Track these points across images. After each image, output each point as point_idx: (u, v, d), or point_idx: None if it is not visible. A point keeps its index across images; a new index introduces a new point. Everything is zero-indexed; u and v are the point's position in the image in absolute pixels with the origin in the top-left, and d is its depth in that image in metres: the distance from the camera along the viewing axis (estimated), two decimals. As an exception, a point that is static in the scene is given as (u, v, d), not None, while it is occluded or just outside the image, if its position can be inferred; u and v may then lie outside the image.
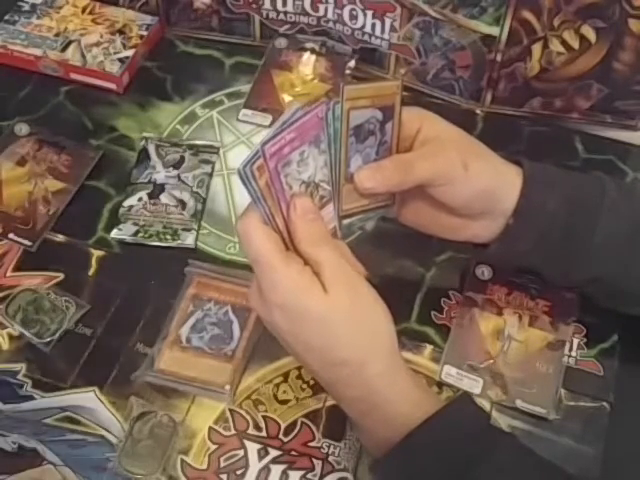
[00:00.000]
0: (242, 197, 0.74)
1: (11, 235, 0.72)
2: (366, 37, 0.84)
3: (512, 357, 0.64)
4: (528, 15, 0.73)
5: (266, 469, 0.60)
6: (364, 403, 0.52)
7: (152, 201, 0.74)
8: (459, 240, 0.60)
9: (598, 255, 0.57)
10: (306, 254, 0.50)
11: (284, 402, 0.63)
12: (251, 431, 0.62)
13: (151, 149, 0.78)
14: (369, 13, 0.81)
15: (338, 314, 0.49)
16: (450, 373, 0.64)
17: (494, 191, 0.56)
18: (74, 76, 0.85)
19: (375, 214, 0.57)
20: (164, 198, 0.75)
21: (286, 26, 0.87)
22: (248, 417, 0.62)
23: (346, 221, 0.56)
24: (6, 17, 0.87)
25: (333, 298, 0.49)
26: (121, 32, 0.87)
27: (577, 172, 0.61)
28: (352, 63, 0.85)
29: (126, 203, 0.74)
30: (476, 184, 0.55)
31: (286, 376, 0.64)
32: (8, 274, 0.70)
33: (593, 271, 0.58)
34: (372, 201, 0.56)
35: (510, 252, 0.59)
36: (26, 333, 0.66)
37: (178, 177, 0.76)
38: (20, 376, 0.64)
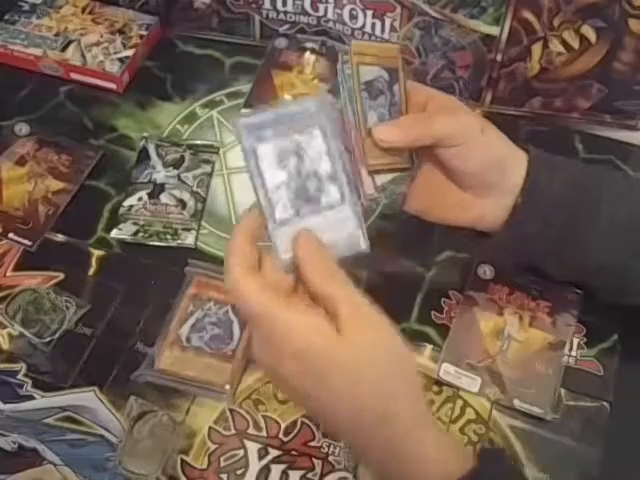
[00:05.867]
0: (242, 197, 0.75)
1: (11, 235, 0.72)
2: (366, 37, 0.83)
3: (511, 357, 0.64)
4: (528, 15, 0.73)
5: (266, 469, 0.60)
6: (388, 460, 0.47)
7: (152, 201, 0.74)
8: (463, 224, 0.59)
9: (603, 240, 0.57)
10: (319, 292, 0.47)
11: (284, 402, 0.63)
12: (251, 431, 0.62)
13: (151, 149, 0.78)
14: (369, 13, 0.81)
15: (357, 356, 0.45)
16: (448, 371, 0.64)
17: (504, 163, 0.56)
18: (74, 76, 0.85)
19: (400, 177, 0.57)
20: (164, 198, 0.75)
21: (286, 26, 0.87)
22: (248, 417, 0.62)
23: (380, 182, 0.54)
24: (6, 17, 0.87)
25: (349, 338, 0.45)
26: (121, 32, 0.87)
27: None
28: (352, 63, 0.85)
29: (126, 203, 0.74)
30: (490, 150, 0.55)
31: (286, 376, 0.64)
32: (8, 274, 0.70)
33: (598, 258, 0.57)
34: (393, 161, 0.55)
35: (516, 237, 0.58)
36: (26, 333, 0.66)
37: (178, 177, 0.76)
38: (20, 376, 0.64)
